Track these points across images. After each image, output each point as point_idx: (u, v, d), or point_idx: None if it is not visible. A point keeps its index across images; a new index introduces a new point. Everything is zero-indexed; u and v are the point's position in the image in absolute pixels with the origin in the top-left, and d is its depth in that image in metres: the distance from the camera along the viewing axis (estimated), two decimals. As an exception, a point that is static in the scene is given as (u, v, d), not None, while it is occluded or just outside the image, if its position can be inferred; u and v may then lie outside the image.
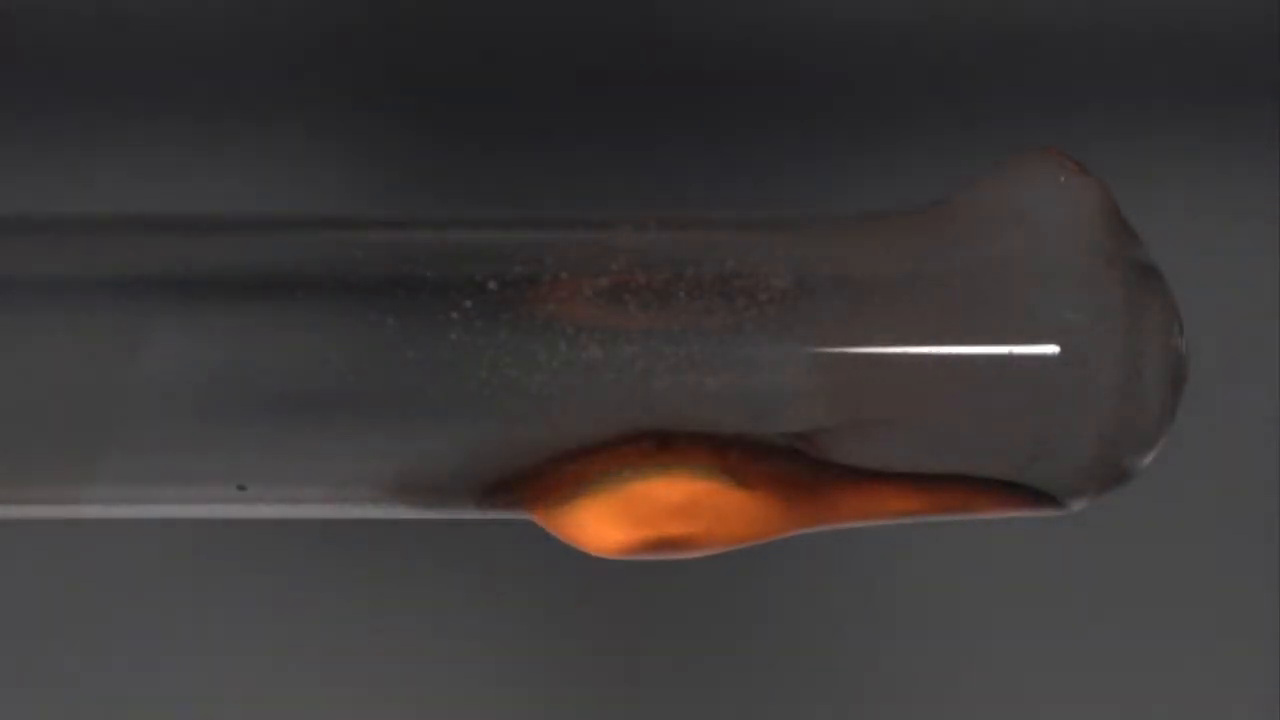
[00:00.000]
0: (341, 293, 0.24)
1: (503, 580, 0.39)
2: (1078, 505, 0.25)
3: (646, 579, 0.38)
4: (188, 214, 0.25)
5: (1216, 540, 0.39)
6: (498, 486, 0.25)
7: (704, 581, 0.39)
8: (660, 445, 0.24)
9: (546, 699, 0.39)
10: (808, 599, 0.39)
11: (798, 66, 0.38)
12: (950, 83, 0.38)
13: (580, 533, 0.25)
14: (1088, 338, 0.24)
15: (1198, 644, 0.39)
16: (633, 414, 0.24)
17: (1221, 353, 0.38)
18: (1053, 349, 0.24)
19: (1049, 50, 0.38)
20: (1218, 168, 0.38)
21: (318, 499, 0.25)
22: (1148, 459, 0.24)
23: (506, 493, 0.25)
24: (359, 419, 0.24)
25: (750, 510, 0.24)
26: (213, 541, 0.39)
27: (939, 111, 0.38)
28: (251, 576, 0.39)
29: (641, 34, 0.38)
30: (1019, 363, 0.24)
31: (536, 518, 0.25)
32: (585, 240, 0.24)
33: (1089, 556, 0.39)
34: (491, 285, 0.24)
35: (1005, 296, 0.24)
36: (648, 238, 0.25)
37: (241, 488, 0.24)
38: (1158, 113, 0.38)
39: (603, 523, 0.24)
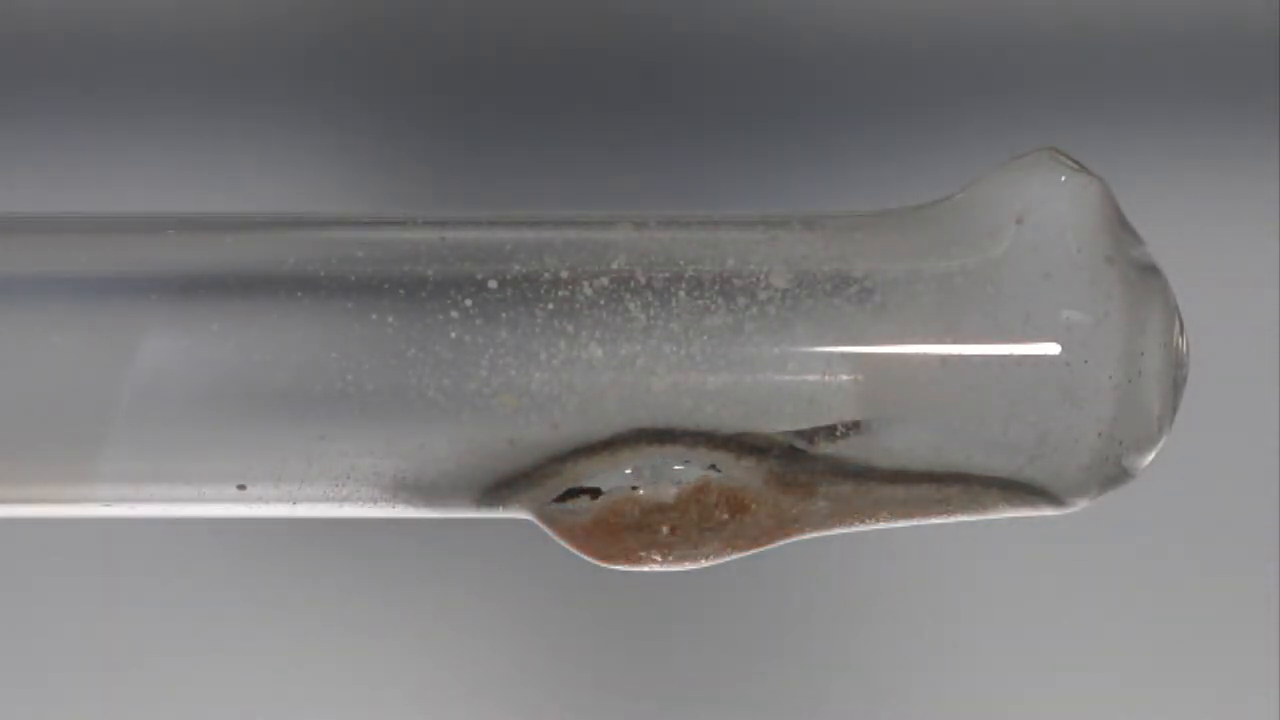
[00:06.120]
0: (342, 292, 0.24)
1: (501, 582, 0.39)
2: (1079, 505, 0.25)
3: (645, 579, 0.38)
4: (187, 214, 0.25)
5: (1216, 540, 0.39)
6: (497, 486, 0.25)
7: (703, 582, 0.39)
8: (660, 445, 0.24)
9: (544, 700, 0.39)
10: (807, 599, 0.39)
11: (798, 66, 0.38)
12: (950, 83, 0.38)
13: (578, 535, 0.25)
14: (1088, 337, 0.24)
15: (1198, 644, 0.39)
16: (632, 413, 0.24)
17: (1221, 353, 0.38)
18: (1053, 348, 0.24)
19: (1049, 50, 0.38)
20: (1218, 168, 0.38)
21: (317, 498, 0.25)
22: (1148, 459, 0.24)
23: (506, 493, 0.25)
24: (359, 418, 0.24)
25: (751, 512, 0.24)
26: (212, 540, 0.39)
27: (939, 111, 0.38)
28: (250, 576, 0.39)
29: (641, 33, 0.38)
30: (1019, 362, 0.24)
31: (535, 519, 0.25)
32: (585, 239, 0.24)
33: (1089, 556, 0.39)
34: (492, 284, 0.24)
35: (1005, 295, 0.24)
36: (648, 236, 0.24)
37: (241, 487, 0.24)
38: (1158, 113, 0.38)
39: (601, 525, 0.24)
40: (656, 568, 0.25)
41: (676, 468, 0.24)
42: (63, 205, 0.38)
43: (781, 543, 0.25)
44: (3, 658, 0.39)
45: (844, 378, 0.24)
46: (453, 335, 0.24)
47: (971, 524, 0.25)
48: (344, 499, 0.25)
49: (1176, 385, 0.24)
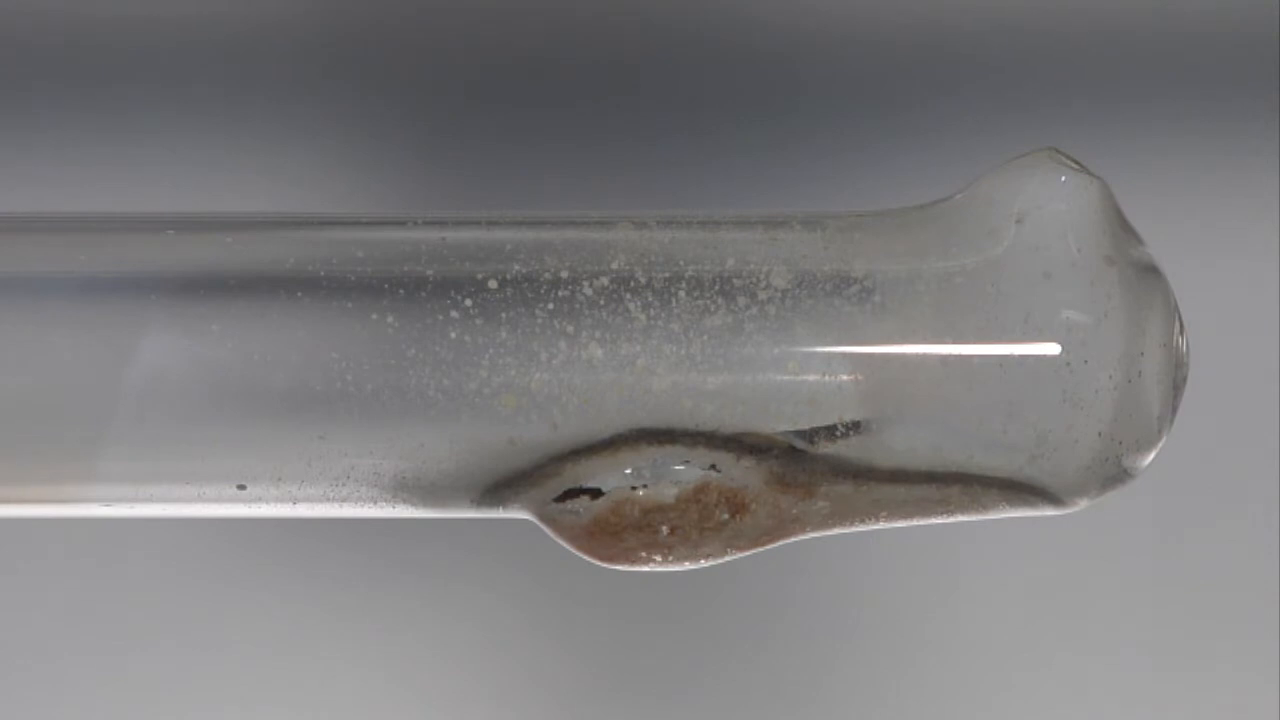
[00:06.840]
0: (342, 292, 0.24)
1: (501, 582, 0.39)
2: (1079, 505, 0.25)
3: (644, 580, 0.38)
4: (188, 213, 0.25)
5: (1217, 540, 0.39)
6: (497, 486, 0.25)
7: (701, 583, 0.39)
8: (660, 445, 0.24)
9: (544, 699, 0.39)
10: (806, 600, 0.39)
11: (797, 66, 0.38)
12: (950, 83, 0.38)
13: (578, 535, 0.25)
14: (1088, 337, 0.24)
15: (1198, 644, 0.39)
16: (632, 413, 0.24)
17: (1221, 353, 0.38)
18: (1054, 348, 0.24)
19: (1049, 50, 0.38)
20: (1218, 168, 0.38)
21: (317, 499, 0.25)
22: (1148, 459, 0.24)
23: (506, 493, 0.25)
24: (359, 418, 0.24)
25: (751, 512, 0.24)
26: (212, 540, 0.39)
27: (939, 111, 0.38)
28: (250, 575, 0.39)
29: (641, 34, 0.38)
30: (1020, 362, 0.24)
31: (535, 519, 0.25)
32: (585, 239, 0.24)
33: (1089, 556, 0.39)
34: (492, 284, 0.24)
35: (1006, 296, 0.24)
36: (648, 236, 0.24)
37: (241, 487, 0.24)
38: (1158, 113, 0.38)
39: (601, 525, 0.24)
40: (656, 568, 0.25)
41: (676, 468, 0.24)
42: (63, 205, 0.38)
43: (781, 543, 0.25)
44: (2, 658, 0.39)
45: (844, 378, 0.24)
46: (453, 335, 0.24)
47: (971, 524, 0.25)
48: (344, 499, 0.25)
49: (1176, 385, 0.24)
